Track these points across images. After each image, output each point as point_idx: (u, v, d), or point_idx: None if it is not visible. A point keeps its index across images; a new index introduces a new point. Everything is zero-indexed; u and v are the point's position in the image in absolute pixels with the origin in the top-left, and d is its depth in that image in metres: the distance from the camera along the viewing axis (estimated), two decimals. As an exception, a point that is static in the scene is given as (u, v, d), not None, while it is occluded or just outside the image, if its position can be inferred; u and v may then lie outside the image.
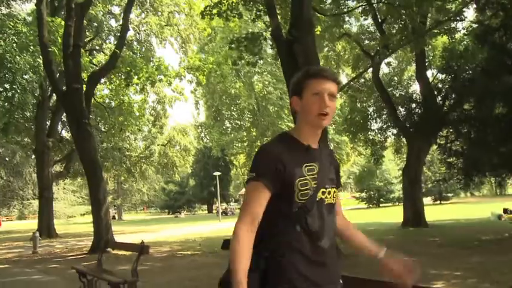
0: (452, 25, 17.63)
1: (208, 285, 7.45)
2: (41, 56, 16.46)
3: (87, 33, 24.49)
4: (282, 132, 2.10)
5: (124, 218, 56.17)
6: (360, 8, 17.53)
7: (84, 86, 15.80)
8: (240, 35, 15.53)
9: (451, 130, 17.52)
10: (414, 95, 22.36)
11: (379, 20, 19.26)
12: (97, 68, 18.40)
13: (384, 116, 23.78)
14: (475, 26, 16.74)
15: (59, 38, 16.46)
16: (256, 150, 2.03)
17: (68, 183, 44.75)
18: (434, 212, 25.92)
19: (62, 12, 19.17)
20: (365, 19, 20.68)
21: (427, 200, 39.41)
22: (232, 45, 13.92)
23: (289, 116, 29.57)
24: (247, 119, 37.24)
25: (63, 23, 15.73)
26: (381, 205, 50.42)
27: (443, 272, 8.16)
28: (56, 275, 9.98)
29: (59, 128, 27.68)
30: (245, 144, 37.14)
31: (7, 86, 19.17)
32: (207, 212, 66.20)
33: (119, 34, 18.71)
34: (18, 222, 46.08)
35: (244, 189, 2.10)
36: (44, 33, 14.92)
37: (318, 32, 16.39)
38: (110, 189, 49.58)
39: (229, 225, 25.73)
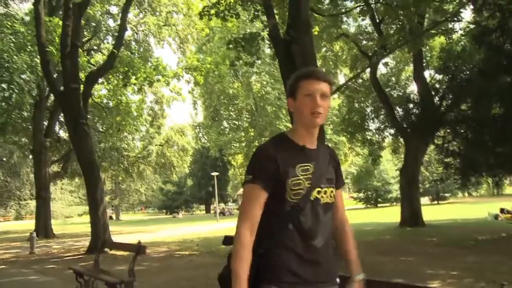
0: (450, 26, 17.66)
1: (206, 286, 7.46)
2: (38, 56, 16.45)
3: (85, 33, 24.46)
4: (279, 133, 2.14)
5: (122, 218, 56.11)
6: (358, 9, 17.59)
7: (82, 86, 15.78)
8: (238, 35, 15.57)
9: (448, 130, 17.58)
10: (412, 96, 22.41)
11: (377, 21, 19.31)
12: (95, 68, 18.37)
13: (381, 116, 23.83)
14: (472, 26, 16.78)
15: (56, 37, 16.42)
16: (254, 150, 2.07)
17: (66, 184, 44.70)
18: (432, 212, 25.95)
19: (60, 12, 19.13)
20: (363, 19, 20.73)
21: (424, 200, 39.48)
22: (230, 46, 13.94)
23: (287, 116, 29.61)
24: (245, 119, 37.27)
25: (61, 22, 15.69)
26: (378, 205, 50.50)
27: (440, 272, 8.19)
28: (53, 276, 9.97)
29: (57, 128, 27.66)
30: (243, 144, 37.14)
31: (4, 85, 19.12)
32: (205, 212, 66.19)
33: (116, 34, 18.68)
34: (15, 223, 45.98)
35: (241, 190, 2.14)
36: (41, 33, 14.91)
37: (315, 32, 16.42)
38: (107, 189, 49.55)
39: (227, 226, 25.79)
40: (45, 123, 24.83)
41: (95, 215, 14.46)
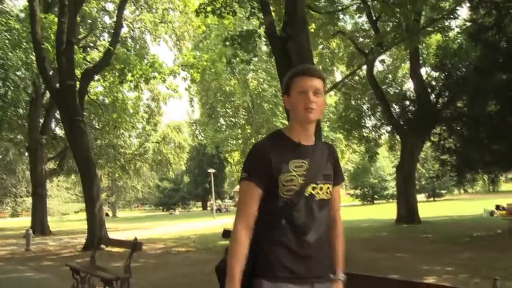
0: (446, 23, 17.69)
1: (202, 282, 7.48)
2: (34, 53, 16.38)
3: (81, 30, 24.38)
4: (275, 130, 2.17)
5: (118, 215, 56.04)
6: (355, 6, 17.57)
7: (78, 83, 15.74)
8: (234, 32, 15.52)
9: (445, 128, 17.63)
10: (408, 93, 22.45)
11: (374, 18, 19.31)
12: (91, 65, 18.33)
13: (378, 114, 23.88)
14: (468, 24, 16.84)
15: (52, 34, 16.37)
16: (251, 148, 2.10)
17: (62, 181, 44.68)
18: (428, 209, 26.04)
19: (55, 9, 19.06)
20: (359, 17, 20.72)
21: (420, 197, 39.56)
22: (227, 43, 13.90)
23: (284, 114, 29.57)
24: (241, 116, 37.20)
25: (56, 19, 15.64)
26: (375, 202, 50.61)
27: (435, 268, 8.23)
28: (49, 273, 9.97)
29: (53, 125, 27.56)
30: (240, 141, 37.09)
31: (-1, 83, 19.06)
32: (201, 209, 66.21)
33: (112, 31, 18.62)
34: (11, 220, 45.78)
35: (238, 187, 2.15)
36: (37, 30, 14.84)
37: (312, 30, 16.40)
38: (104, 186, 49.46)
39: (224, 222, 25.80)
40: (41, 120, 24.78)
41: (91, 212, 14.46)
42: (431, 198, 49.42)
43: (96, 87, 24.78)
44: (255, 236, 1.96)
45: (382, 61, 23.40)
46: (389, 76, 25.37)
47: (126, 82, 20.13)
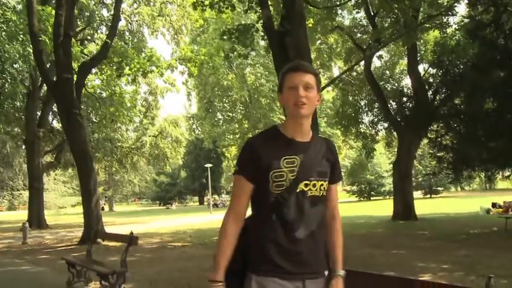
0: (444, 20, 17.67)
1: (198, 277, 7.48)
2: (31, 45, 16.30)
3: (79, 22, 24.24)
4: (271, 125, 2.17)
5: (115, 209, 56.03)
6: (353, 1, 17.50)
7: (75, 76, 15.68)
8: (232, 26, 15.44)
9: (442, 124, 17.66)
10: (405, 89, 22.47)
11: (372, 14, 19.29)
12: (88, 58, 18.23)
13: (375, 110, 23.90)
14: (466, 21, 16.82)
15: (49, 27, 16.26)
16: None
17: (59, 174, 44.57)
18: (424, 206, 26.11)
19: (53, 1, 18.94)
20: (357, 12, 20.68)
21: (417, 194, 39.70)
22: (224, 37, 13.87)
23: (281, 109, 29.60)
24: (239, 111, 37.22)
25: (53, 12, 15.54)
26: (371, 198, 50.72)
27: (431, 265, 8.26)
28: (46, 266, 9.97)
29: (50, 118, 27.49)
30: (237, 136, 37.13)
31: (-4, 75, 19.00)
32: (198, 203, 66.23)
33: (110, 24, 18.54)
34: (8, 213, 45.77)
35: (233, 181, 2.17)
36: (34, 22, 14.75)
37: (310, 25, 16.36)
38: (101, 180, 49.38)
39: (220, 217, 25.67)
40: (38, 113, 24.69)
41: (88, 205, 14.44)
42: (428, 195, 49.55)
43: (94, 80, 24.69)
44: (247, 230, 2.01)
45: (380, 57, 23.40)
46: (387, 72, 25.36)
47: (124, 75, 20.04)
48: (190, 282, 7.11)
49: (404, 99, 21.16)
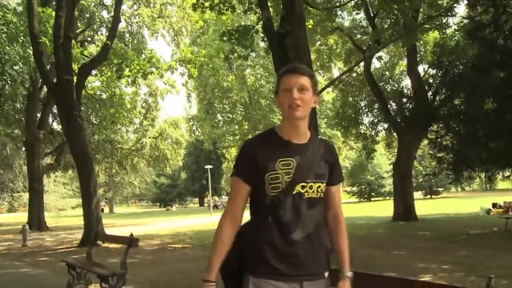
0: (444, 20, 17.69)
1: (198, 278, 7.39)
2: (31, 47, 16.30)
3: (79, 24, 24.26)
4: (269, 128, 2.18)
5: (115, 211, 56.01)
6: (352, 2, 17.52)
7: (75, 77, 15.68)
8: (232, 27, 15.45)
9: (442, 125, 17.66)
10: (405, 90, 22.48)
11: (371, 15, 19.31)
12: (88, 60, 18.23)
13: (375, 111, 23.90)
14: (466, 21, 16.82)
15: (49, 28, 16.27)
16: None
17: (59, 176, 44.51)
18: (425, 206, 26.11)
19: (53, 3, 18.96)
20: (357, 13, 20.72)
21: (417, 195, 39.69)
22: (224, 38, 13.87)
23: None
24: (239, 112, 37.19)
25: (54, 13, 15.55)
26: (372, 199, 50.74)
27: (431, 266, 8.25)
28: (46, 268, 9.95)
29: (50, 120, 27.49)
30: (237, 137, 37.10)
31: (-4, 77, 19.01)
32: (198, 205, 66.22)
33: (110, 26, 18.55)
34: (8, 215, 45.76)
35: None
36: (34, 24, 14.76)
37: (310, 26, 16.36)
38: (101, 182, 49.38)
39: (221, 219, 25.68)
40: (39, 115, 24.68)
41: (88, 207, 14.42)
42: (428, 196, 49.55)
43: (94, 82, 24.70)
44: (245, 232, 2.04)
45: (379, 58, 23.42)
46: (387, 73, 25.36)
47: (124, 77, 20.03)
48: (191, 284, 7.10)
49: (404, 100, 21.17)
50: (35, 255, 12.55)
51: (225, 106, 38.03)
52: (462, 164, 15.31)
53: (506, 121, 12.75)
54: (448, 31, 18.89)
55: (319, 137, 2.24)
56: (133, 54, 19.46)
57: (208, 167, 40.38)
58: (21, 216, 32.67)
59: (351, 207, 34.48)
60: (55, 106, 22.01)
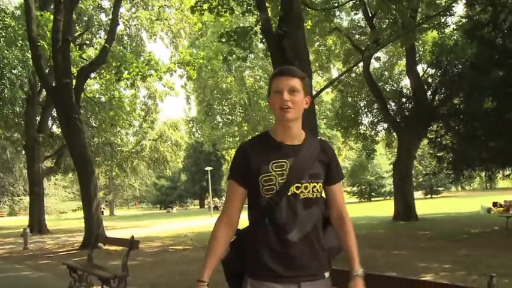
0: (442, 20, 17.71)
1: (199, 280, 7.46)
2: (29, 51, 16.31)
3: (77, 27, 24.28)
4: (264, 130, 2.20)
5: (116, 214, 55.98)
6: (351, 3, 17.56)
7: (74, 81, 15.68)
8: (231, 29, 15.47)
9: (441, 124, 17.63)
10: (404, 90, 22.48)
11: (370, 15, 19.33)
12: (87, 63, 18.25)
13: (374, 111, 23.90)
14: (464, 21, 16.83)
15: (48, 32, 16.29)
16: None
17: (59, 179, 44.54)
18: (425, 206, 26.09)
19: (51, 6, 18.97)
20: (355, 14, 20.75)
21: (418, 194, 39.66)
22: (223, 39, 13.88)
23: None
24: (238, 113, 37.22)
25: (52, 17, 15.57)
26: (372, 199, 50.68)
27: (433, 265, 8.25)
28: (47, 271, 9.96)
29: (49, 123, 27.46)
30: (237, 139, 37.08)
31: (-4, 80, 19.01)
32: (198, 207, 66.16)
33: (108, 29, 18.57)
34: (9, 219, 45.70)
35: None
36: (32, 28, 14.77)
37: (308, 27, 16.38)
38: (101, 184, 49.33)
39: (221, 220, 25.69)
40: (38, 118, 24.69)
41: (88, 210, 14.42)
42: (429, 195, 49.51)
43: (93, 85, 24.72)
44: (244, 234, 2.07)
45: (377, 59, 23.44)
46: (386, 73, 25.38)
47: (123, 80, 20.03)
48: (192, 286, 7.03)
49: (404, 99, 21.16)
50: (36, 258, 12.55)
51: (225, 108, 38.06)
52: (462, 163, 15.31)
53: (505, 120, 12.75)
54: (447, 30, 18.91)
55: (319, 137, 2.25)
56: (132, 57, 19.47)
57: (208, 168, 40.35)
58: (22, 220, 32.66)
59: (352, 207, 34.31)
60: (54, 109, 22.00)
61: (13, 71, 19.71)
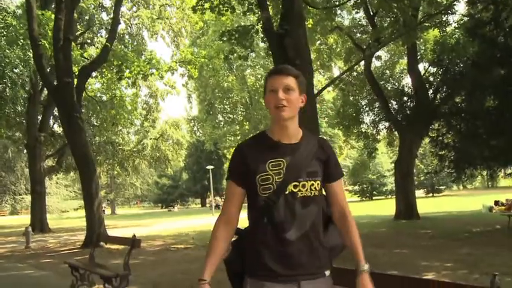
0: (444, 18, 17.69)
1: (201, 279, 7.47)
2: (31, 50, 16.32)
3: (78, 26, 24.29)
4: (261, 130, 2.21)
5: (117, 213, 56.03)
6: (352, 1, 17.52)
7: (76, 80, 15.69)
8: (232, 28, 15.46)
9: (443, 123, 17.63)
10: (406, 88, 22.45)
11: (371, 13, 19.30)
12: (88, 62, 18.25)
13: (376, 109, 23.86)
14: (466, 19, 16.80)
15: (49, 31, 16.30)
16: None
17: (61, 178, 44.47)
18: (427, 205, 26.09)
19: (52, 6, 18.98)
20: (357, 12, 20.69)
21: (419, 193, 39.64)
22: (224, 38, 13.88)
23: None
24: (239, 112, 37.19)
25: (53, 16, 15.57)
26: (373, 198, 50.64)
27: (434, 264, 8.25)
28: (49, 270, 9.97)
29: (51, 122, 27.51)
30: (238, 137, 37.07)
31: (-3, 80, 19.04)
32: (200, 205, 66.19)
33: (110, 27, 18.56)
34: (10, 218, 45.75)
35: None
36: (34, 27, 14.79)
37: (309, 25, 16.37)
38: (103, 183, 49.34)
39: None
40: (39, 117, 24.72)
41: (90, 209, 14.44)
42: (430, 194, 49.49)
43: (94, 83, 24.75)
44: (244, 233, 2.09)
45: (378, 58, 23.41)
46: (387, 72, 25.33)
47: (124, 79, 20.04)
48: (194, 285, 7.05)
49: (405, 98, 21.14)
50: (38, 257, 12.57)
51: (226, 106, 38.05)
52: (464, 162, 15.30)
53: (507, 118, 12.74)
54: (448, 29, 18.88)
55: (320, 136, 2.25)
56: (133, 56, 19.48)
57: (210, 167, 40.35)
58: (24, 219, 32.68)
59: (353, 206, 33.97)
60: (56, 108, 22.02)
61: (14, 70, 19.73)
